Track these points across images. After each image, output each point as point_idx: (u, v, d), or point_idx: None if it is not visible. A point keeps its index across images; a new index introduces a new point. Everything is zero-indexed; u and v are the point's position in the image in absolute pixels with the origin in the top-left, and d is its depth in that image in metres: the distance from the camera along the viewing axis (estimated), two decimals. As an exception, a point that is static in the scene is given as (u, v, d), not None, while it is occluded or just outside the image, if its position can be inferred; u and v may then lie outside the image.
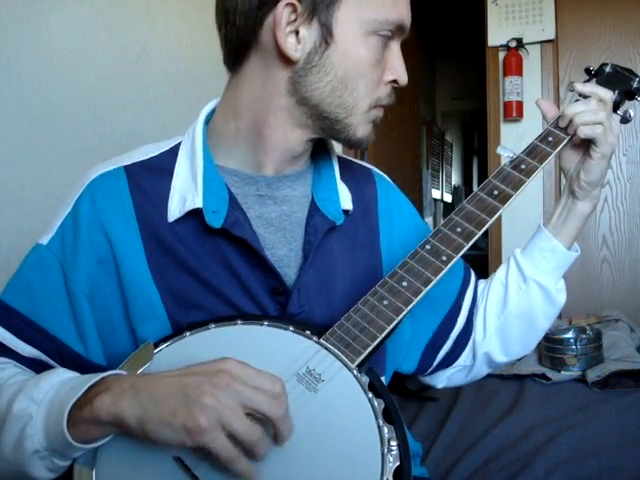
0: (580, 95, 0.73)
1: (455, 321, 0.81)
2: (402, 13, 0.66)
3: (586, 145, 0.72)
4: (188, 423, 0.49)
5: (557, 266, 0.76)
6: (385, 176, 0.85)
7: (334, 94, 0.65)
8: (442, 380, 0.86)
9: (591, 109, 0.70)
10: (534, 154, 0.71)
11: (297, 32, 0.63)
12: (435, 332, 0.81)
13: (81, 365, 0.65)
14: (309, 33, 0.63)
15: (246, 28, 0.65)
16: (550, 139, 0.72)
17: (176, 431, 0.49)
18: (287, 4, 0.62)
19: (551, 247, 0.75)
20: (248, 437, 0.49)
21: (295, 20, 0.63)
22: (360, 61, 0.64)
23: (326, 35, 0.63)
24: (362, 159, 2.43)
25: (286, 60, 0.64)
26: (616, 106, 0.76)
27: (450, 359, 0.82)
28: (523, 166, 0.70)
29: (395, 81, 0.68)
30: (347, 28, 0.63)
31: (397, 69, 0.67)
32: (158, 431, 0.50)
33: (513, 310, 0.79)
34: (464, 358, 0.83)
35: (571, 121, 0.71)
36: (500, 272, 0.82)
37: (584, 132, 0.70)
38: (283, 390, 0.52)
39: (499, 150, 0.72)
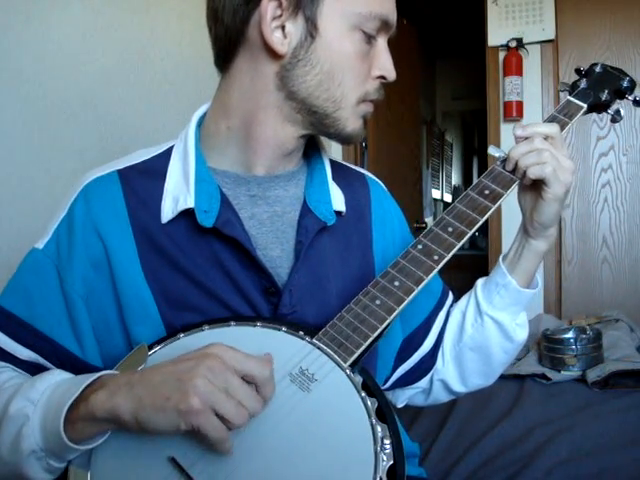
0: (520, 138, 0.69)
1: (421, 342, 0.79)
2: (387, 8, 0.66)
3: (538, 185, 0.68)
4: (181, 405, 0.49)
5: (512, 303, 0.74)
6: (379, 182, 0.85)
7: (321, 87, 0.65)
8: (403, 400, 0.84)
9: (535, 148, 0.66)
10: None
11: (283, 27, 0.64)
12: (398, 348, 0.79)
13: (78, 367, 0.65)
14: (295, 27, 0.64)
15: (234, 25, 0.66)
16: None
17: (169, 415, 0.50)
18: None
19: (504, 283, 0.73)
20: (236, 420, 0.50)
21: (281, 15, 0.64)
22: (345, 55, 0.65)
23: (311, 29, 0.64)
24: (362, 159, 2.44)
25: (273, 55, 0.65)
26: (607, 105, 0.76)
27: (410, 379, 0.81)
28: None
29: (383, 77, 0.68)
30: (331, 22, 0.64)
31: (384, 64, 0.68)
32: (152, 419, 0.50)
33: (468, 342, 0.78)
34: (425, 381, 0.82)
35: (517, 163, 0.67)
36: (463, 300, 0.81)
37: (533, 173, 0.66)
38: (271, 374, 0.54)
39: (490, 150, 0.71)
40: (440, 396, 0.83)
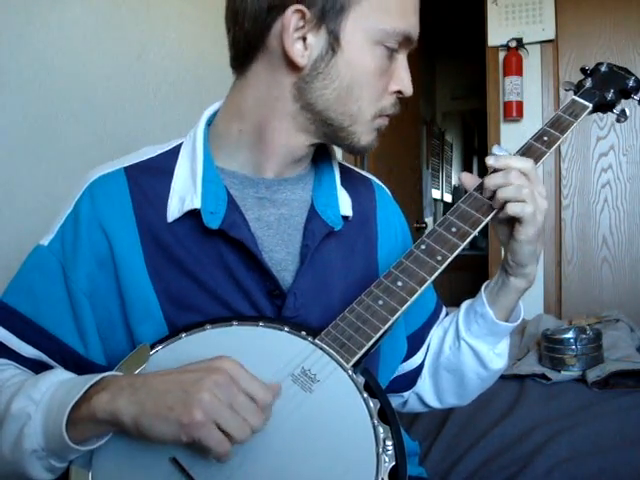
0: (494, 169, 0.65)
1: (413, 353, 0.80)
2: (410, 24, 0.65)
3: (512, 221, 0.66)
4: (184, 417, 0.49)
5: (489, 333, 0.74)
6: (385, 188, 0.85)
7: (339, 101, 0.65)
8: None
9: (513, 183, 0.63)
10: (529, 153, 0.69)
11: (304, 38, 0.63)
12: (404, 353, 0.79)
13: (81, 365, 0.65)
14: (316, 40, 0.63)
15: (254, 32, 0.65)
16: (545, 139, 0.70)
17: (171, 426, 0.50)
18: (296, 10, 0.62)
19: (482, 313, 0.73)
20: (239, 435, 0.50)
21: (303, 27, 0.63)
22: (365, 70, 0.64)
23: (333, 43, 0.63)
24: (362, 159, 2.44)
25: (292, 66, 0.64)
26: (612, 105, 0.76)
27: (395, 388, 0.80)
28: None
29: (400, 92, 0.68)
30: (354, 37, 0.63)
31: (403, 80, 0.67)
32: (153, 427, 0.50)
33: (444, 362, 0.78)
34: (408, 392, 0.82)
35: (495, 193, 0.65)
36: (448, 318, 0.81)
37: (512, 210, 0.63)
38: (272, 402, 0.53)
39: (494, 150, 0.71)
40: (415, 407, 0.84)
